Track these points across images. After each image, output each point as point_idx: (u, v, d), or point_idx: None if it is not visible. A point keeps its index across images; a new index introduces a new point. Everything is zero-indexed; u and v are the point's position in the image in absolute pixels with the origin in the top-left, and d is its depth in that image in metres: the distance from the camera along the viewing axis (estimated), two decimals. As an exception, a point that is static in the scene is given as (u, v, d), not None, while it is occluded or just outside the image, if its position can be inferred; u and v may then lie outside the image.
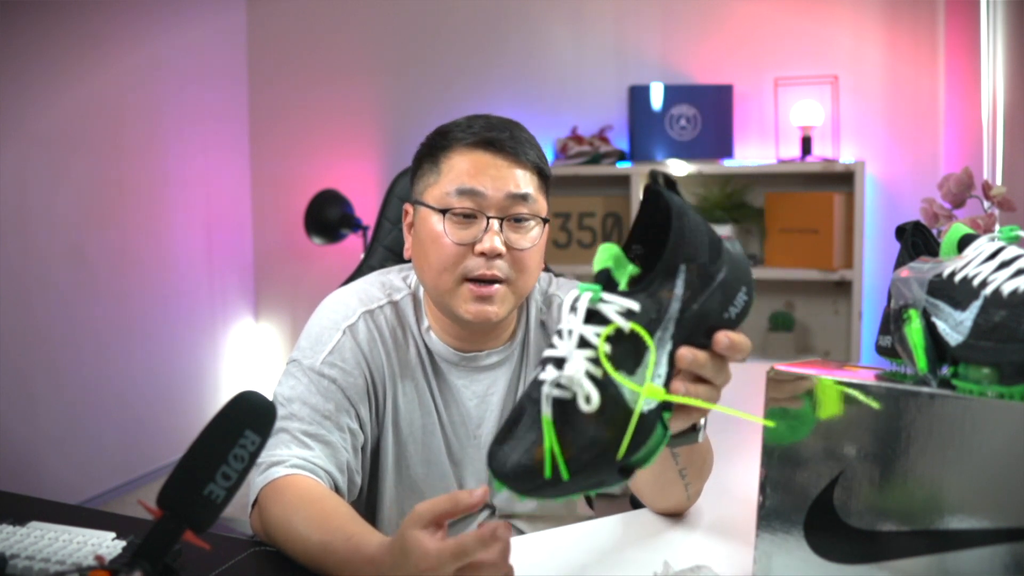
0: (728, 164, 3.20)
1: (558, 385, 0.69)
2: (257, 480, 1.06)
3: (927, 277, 0.79)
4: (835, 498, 0.79)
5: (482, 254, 1.11)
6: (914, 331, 0.77)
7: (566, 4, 3.49)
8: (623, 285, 0.74)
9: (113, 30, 3.19)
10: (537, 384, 0.70)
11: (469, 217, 1.13)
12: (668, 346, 0.72)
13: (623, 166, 3.28)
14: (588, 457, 0.68)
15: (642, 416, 0.70)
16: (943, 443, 0.73)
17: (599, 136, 3.34)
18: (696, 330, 0.74)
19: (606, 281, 0.74)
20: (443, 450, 1.23)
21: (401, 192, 1.53)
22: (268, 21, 3.85)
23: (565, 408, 0.69)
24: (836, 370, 0.83)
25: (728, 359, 0.75)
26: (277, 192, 3.88)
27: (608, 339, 0.70)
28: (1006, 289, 0.73)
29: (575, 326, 0.70)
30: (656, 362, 0.71)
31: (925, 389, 0.75)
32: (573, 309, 0.71)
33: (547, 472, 0.68)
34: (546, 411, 0.68)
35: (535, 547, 1.04)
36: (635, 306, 0.71)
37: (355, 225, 3.46)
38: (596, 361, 0.69)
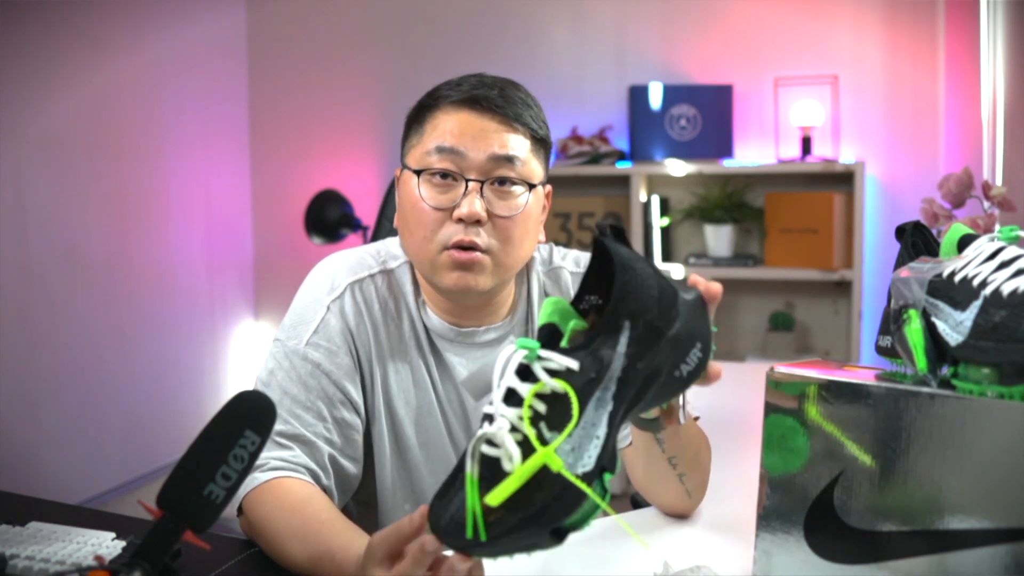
0: (728, 164, 3.20)
1: (489, 442, 0.66)
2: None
3: (927, 277, 0.79)
4: (835, 498, 0.79)
5: (460, 220, 1.04)
6: (914, 331, 0.77)
7: (566, 4, 3.49)
8: (565, 341, 0.71)
9: (113, 31, 3.19)
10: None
11: (447, 178, 1.05)
12: (609, 406, 0.68)
13: (623, 166, 3.28)
14: (516, 519, 0.64)
15: (577, 479, 0.65)
16: (943, 443, 0.73)
17: (599, 136, 3.34)
18: (643, 389, 0.70)
19: (551, 335, 0.71)
20: (443, 431, 1.16)
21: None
22: (268, 21, 3.85)
23: (493, 467, 0.65)
24: (836, 370, 0.83)
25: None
26: (277, 192, 3.87)
27: (545, 398, 0.66)
28: (1006, 289, 0.73)
29: (507, 382, 0.67)
30: (594, 423, 0.67)
31: (925, 389, 0.75)
32: (505, 365, 0.67)
33: (468, 531, 0.65)
34: (470, 468, 0.65)
35: (535, 547, 1.04)
36: (574, 365, 0.67)
37: (355, 225, 3.46)
38: (532, 420, 0.66)
